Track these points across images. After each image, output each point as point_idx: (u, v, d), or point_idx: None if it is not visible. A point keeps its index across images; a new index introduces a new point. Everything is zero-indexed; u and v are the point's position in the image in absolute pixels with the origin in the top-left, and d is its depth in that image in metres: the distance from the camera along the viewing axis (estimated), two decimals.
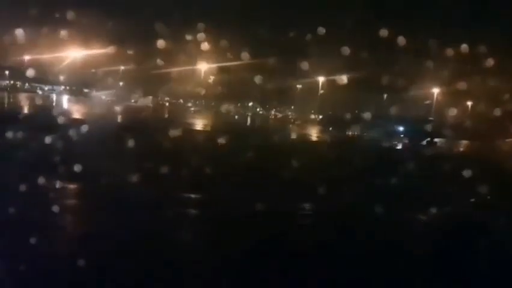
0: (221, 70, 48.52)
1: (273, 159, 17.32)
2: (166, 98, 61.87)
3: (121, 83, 55.86)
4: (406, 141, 35.97)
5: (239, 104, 58.96)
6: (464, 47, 30.52)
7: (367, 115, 36.66)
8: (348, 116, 37.62)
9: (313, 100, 52.93)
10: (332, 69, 44.86)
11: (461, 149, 36.27)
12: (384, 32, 28.99)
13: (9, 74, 54.46)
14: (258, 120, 52.12)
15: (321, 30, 32.23)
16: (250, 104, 61.09)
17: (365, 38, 37.28)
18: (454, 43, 31.83)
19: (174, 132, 21.10)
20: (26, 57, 45.59)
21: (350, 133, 39.21)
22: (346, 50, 32.06)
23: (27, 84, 55.49)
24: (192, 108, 58.61)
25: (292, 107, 59.74)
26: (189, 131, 28.50)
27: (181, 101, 61.91)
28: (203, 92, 54.15)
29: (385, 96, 49.10)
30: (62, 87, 58.30)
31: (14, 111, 30.22)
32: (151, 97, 59.29)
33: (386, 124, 37.66)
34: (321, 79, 50.59)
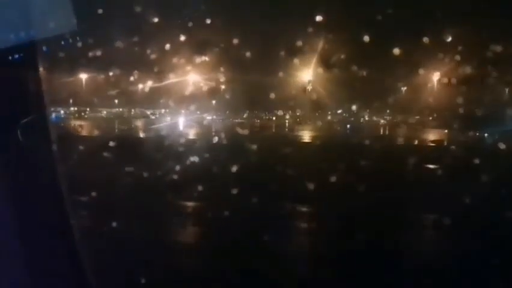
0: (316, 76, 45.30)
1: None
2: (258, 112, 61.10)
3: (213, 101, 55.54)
4: None
5: (335, 112, 55.70)
6: None
7: (488, 113, 33.56)
8: (472, 114, 33.86)
9: (414, 99, 48.84)
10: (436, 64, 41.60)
11: None
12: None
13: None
14: (371, 129, 43.85)
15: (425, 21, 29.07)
16: (353, 107, 56.64)
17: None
18: None
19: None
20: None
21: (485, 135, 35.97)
22: (454, 42, 28.94)
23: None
24: (286, 119, 56.91)
25: (388, 111, 56.07)
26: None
27: (280, 112, 59.09)
28: (295, 100, 51.35)
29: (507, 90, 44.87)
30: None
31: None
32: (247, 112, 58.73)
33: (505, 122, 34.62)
34: (418, 75, 46.57)
